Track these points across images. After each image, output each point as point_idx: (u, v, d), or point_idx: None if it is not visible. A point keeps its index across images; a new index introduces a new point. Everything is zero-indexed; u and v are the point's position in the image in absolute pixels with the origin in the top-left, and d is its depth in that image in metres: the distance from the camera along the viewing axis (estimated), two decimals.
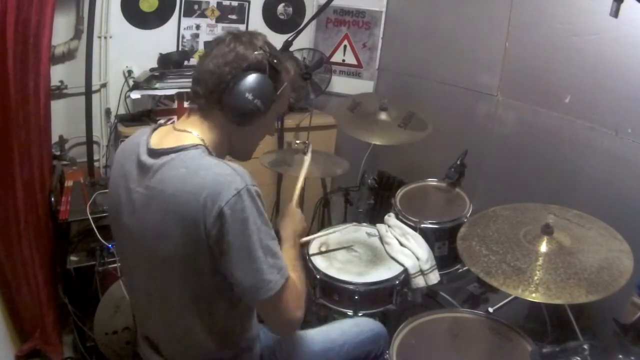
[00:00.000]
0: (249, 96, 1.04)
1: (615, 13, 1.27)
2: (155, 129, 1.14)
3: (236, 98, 1.04)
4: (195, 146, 1.04)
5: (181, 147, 1.04)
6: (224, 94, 1.05)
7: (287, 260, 1.09)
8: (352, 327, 1.46)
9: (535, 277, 1.23)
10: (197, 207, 0.96)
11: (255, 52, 1.06)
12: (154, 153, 1.06)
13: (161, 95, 2.49)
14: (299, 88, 1.25)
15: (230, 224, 0.96)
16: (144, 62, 2.57)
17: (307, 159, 1.62)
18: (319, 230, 2.02)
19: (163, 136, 1.10)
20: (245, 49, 1.06)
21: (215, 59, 1.06)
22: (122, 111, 2.58)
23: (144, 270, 1.10)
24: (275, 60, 1.07)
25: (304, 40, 2.93)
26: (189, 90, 2.43)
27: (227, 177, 0.98)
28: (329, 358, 1.36)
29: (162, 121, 1.20)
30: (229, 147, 1.16)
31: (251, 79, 1.04)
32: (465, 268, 1.84)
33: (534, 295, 1.19)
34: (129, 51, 2.58)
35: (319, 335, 1.40)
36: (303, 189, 1.65)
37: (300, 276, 1.14)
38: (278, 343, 1.31)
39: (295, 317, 1.09)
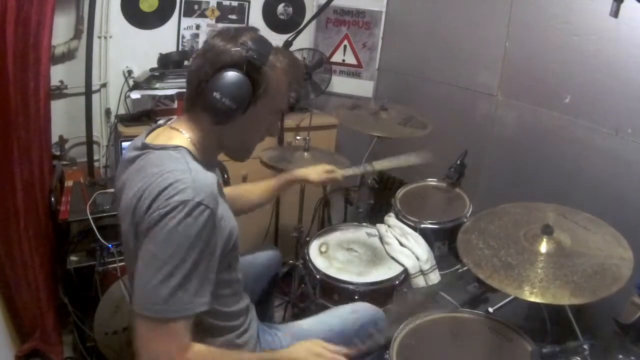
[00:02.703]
0: (217, 95, 1.02)
1: (615, 13, 1.27)
2: (155, 129, 1.16)
3: (206, 97, 1.03)
4: (176, 148, 1.05)
5: (164, 146, 1.06)
6: (201, 95, 1.05)
7: None
8: (350, 313, 1.45)
9: (523, 274, 1.24)
10: (145, 203, 0.97)
11: (233, 49, 1.03)
12: (144, 146, 1.08)
13: (161, 95, 2.49)
14: (298, 82, 1.20)
15: (156, 229, 0.94)
16: (144, 62, 2.56)
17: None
18: (318, 230, 2.02)
19: (159, 134, 1.13)
20: (225, 45, 1.04)
21: (198, 57, 1.06)
22: (122, 111, 2.57)
23: (128, 264, 1.13)
24: (255, 56, 1.03)
25: (304, 40, 2.93)
26: None
27: (180, 186, 0.96)
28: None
29: (161, 121, 1.20)
30: (222, 147, 1.16)
31: (220, 77, 1.02)
32: (465, 268, 1.85)
33: (515, 290, 1.20)
34: (129, 51, 2.57)
35: (317, 324, 1.40)
36: None
37: None
38: (276, 336, 1.32)
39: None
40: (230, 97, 1.02)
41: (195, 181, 0.97)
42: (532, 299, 1.17)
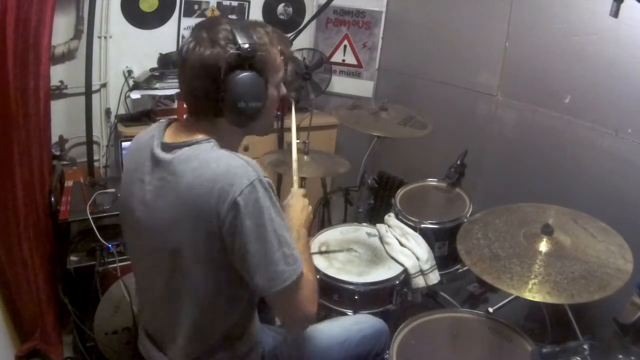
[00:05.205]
0: (242, 104, 1.02)
1: (615, 13, 1.27)
2: (169, 124, 1.15)
3: (231, 110, 1.03)
4: (207, 140, 1.06)
5: (194, 141, 1.05)
6: (217, 108, 1.04)
7: None
8: (354, 324, 1.45)
9: (506, 266, 1.26)
10: (210, 199, 0.97)
11: (226, 54, 0.99)
12: (168, 147, 1.07)
13: (161, 95, 2.49)
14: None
15: (244, 215, 0.96)
16: (144, 62, 2.57)
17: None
18: (319, 230, 2.02)
19: (176, 131, 1.11)
20: (211, 52, 1.00)
21: (191, 79, 1.03)
22: (122, 111, 2.58)
23: (155, 265, 1.11)
24: (248, 49, 1.00)
25: (304, 40, 2.93)
26: None
27: (240, 169, 0.99)
28: (330, 355, 1.35)
29: (163, 120, 1.19)
30: (247, 134, 1.17)
31: (234, 85, 1.00)
32: (465, 268, 1.85)
33: (494, 280, 1.23)
34: (129, 51, 2.57)
35: (319, 333, 1.39)
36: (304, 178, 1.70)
37: (311, 268, 1.14)
38: (279, 342, 1.31)
39: (309, 310, 1.08)
40: (254, 99, 1.03)
41: (246, 160, 1.02)
42: (508, 290, 1.21)
